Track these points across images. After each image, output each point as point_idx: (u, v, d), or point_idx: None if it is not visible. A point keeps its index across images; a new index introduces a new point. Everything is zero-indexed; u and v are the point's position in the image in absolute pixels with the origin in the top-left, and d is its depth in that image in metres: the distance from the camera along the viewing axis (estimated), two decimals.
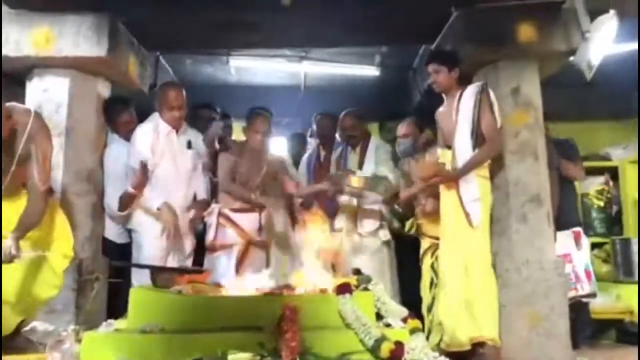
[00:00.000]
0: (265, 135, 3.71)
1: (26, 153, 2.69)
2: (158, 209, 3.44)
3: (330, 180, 3.73)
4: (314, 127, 4.46)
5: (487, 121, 3.17)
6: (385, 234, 3.93)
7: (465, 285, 3.08)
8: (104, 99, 3.71)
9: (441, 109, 3.44)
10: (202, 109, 4.18)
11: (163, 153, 3.54)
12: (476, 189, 3.15)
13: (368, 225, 3.90)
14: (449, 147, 3.29)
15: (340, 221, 3.92)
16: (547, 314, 3.19)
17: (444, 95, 3.40)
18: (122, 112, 3.73)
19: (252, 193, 3.64)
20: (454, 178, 3.17)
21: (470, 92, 3.24)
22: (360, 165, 3.98)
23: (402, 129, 3.88)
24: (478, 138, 3.17)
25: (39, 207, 2.72)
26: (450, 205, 3.21)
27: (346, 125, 4.03)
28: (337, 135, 4.22)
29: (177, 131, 3.63)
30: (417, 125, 3.83)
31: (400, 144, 3.91)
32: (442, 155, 3.34)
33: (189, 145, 3.68)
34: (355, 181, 3.64)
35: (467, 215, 3.12)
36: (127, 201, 3.48)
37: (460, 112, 3.23)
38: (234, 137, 4.41)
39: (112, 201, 3.55)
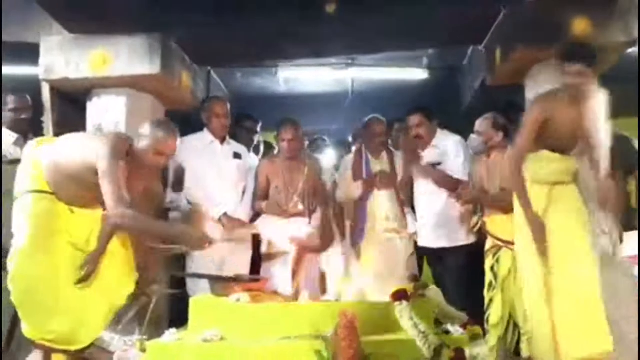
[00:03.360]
0: (293, 142, 3.66)
1: None
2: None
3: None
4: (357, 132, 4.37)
5: None
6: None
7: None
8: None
9: (560, 105, 2.96)
10: (245, 120, 4.21)
11: (203, 160, 3.62)
12: None
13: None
14: (552, 150, 3.00)
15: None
16: (617, 320, 3.03)
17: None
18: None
19: (290, 202, 3.63)
20: None
21: (598, 102, 2.91)
22: None
23: (478, 124, 3.59)
24: None
25: None
26: (577, 221, 2.95)
27: (379, 131, 3.89)
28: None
29: (221, 142, 3.72)
30: (494, 125, 3.52)
31: (472, 140, 3.70)
32: (551, 159, 3.02)
33: (236, 156, 3.76)
34: None
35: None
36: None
37: (593, 121, 2.91)
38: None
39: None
